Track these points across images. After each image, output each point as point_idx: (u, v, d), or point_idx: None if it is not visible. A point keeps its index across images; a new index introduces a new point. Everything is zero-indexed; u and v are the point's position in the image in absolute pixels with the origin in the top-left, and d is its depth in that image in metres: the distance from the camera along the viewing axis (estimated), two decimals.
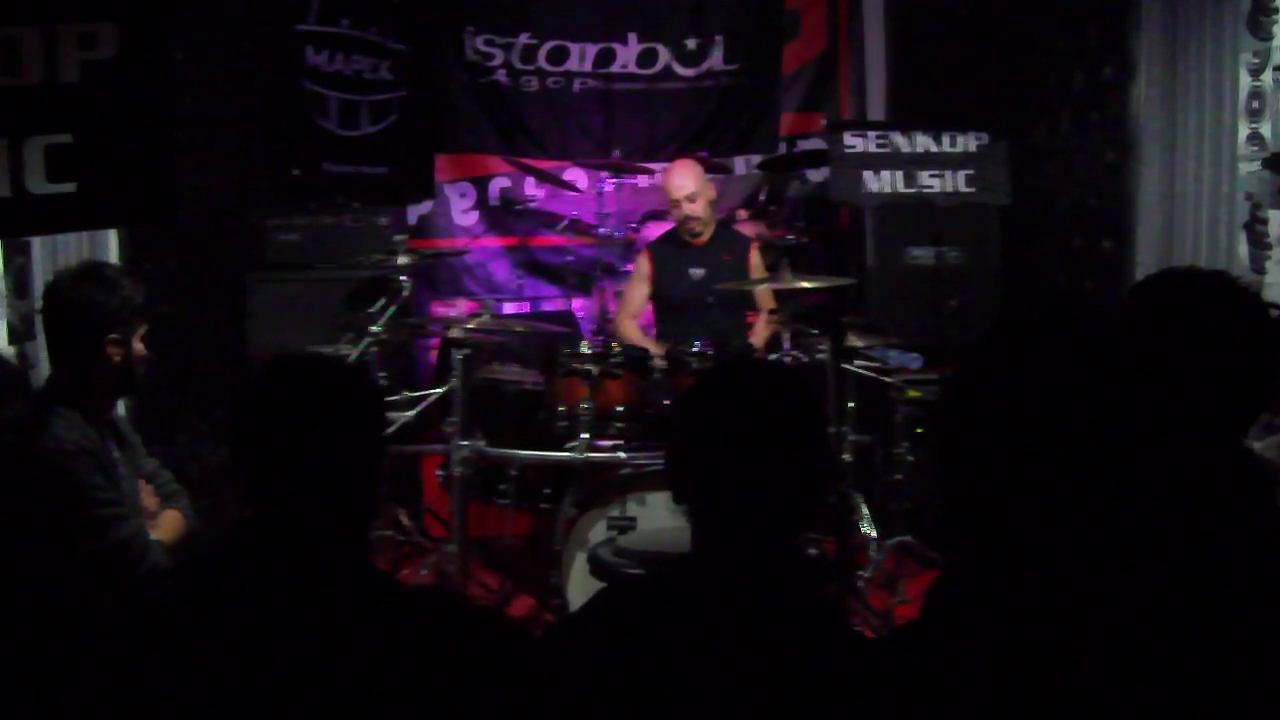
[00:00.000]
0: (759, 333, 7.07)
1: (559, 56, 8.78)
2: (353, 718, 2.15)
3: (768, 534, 2.26)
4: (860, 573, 6.25)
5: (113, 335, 3.80)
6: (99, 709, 2.14)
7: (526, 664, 2.34)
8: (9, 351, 5.12)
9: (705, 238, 7.22)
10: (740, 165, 9.12)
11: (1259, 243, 5.99)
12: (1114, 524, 1.99)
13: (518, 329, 6.91)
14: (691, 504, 2.33)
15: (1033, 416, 1.96)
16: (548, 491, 6.19)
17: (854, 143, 7.71)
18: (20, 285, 5.25)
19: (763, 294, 7.05)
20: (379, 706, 2.17)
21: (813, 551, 5.18)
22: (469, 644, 2.30)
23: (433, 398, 6.45)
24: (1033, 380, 1.98)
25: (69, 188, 3.66)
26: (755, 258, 7.25)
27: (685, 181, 7.10)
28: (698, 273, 7.09)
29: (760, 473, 2.24)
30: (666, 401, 5.88)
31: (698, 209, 7.07)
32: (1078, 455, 1.95)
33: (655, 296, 7.31)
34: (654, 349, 6.57)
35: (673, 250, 7.26)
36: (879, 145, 7.71)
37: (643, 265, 7.35)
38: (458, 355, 6.03)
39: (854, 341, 6.30)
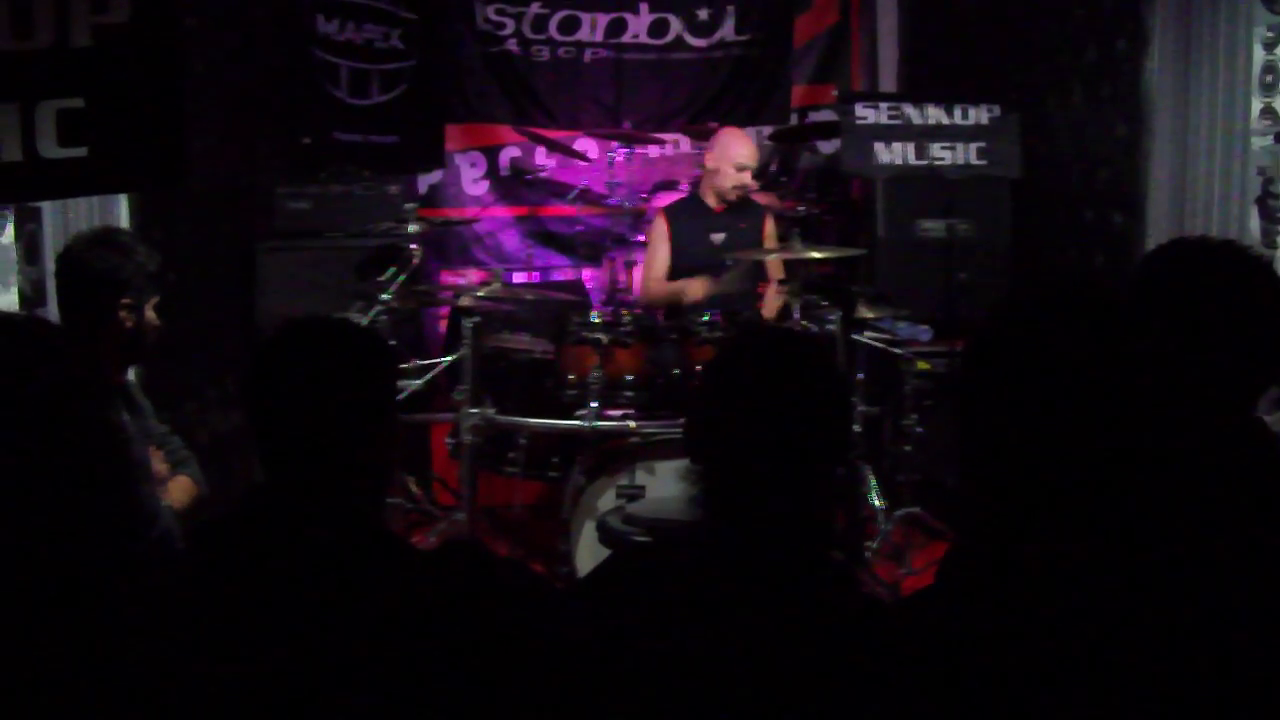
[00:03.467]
0: (769, 303, 7.05)
1: (570, 26, 8.77)
2: (375, 675, 2.16)
3: (785, 500, 2.25)
4: (868, 544, 6.25)
5: (124, 300, 3.79)
6: (114, 675, 2.14)
7: (548, 611, 2.34)
8: None
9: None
10: (751, 136, 9.09)
11: (1270, 217, 5.98)
12: (1126, 495, 1.99)
13: (528, 297, 6.91)
14: (709, 465, 2.32)
15: (1046, 386, 1.96)
16: (557, 460, 6.19)
17: (865, 114, 7.69)
18: (32, 252, 5.25)
19: (774, 264, 7.03)
20: (400, 664, 2.17)
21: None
22: (490, 594, 2.31)
23: (442, 366, 6.45)
24: (1046, 350, 1.98)
25: (80, 152, 3.66)
26: (770, 227, 7.22)
27: (750, 151, 7.14)
28: (719, 237, 7.05)
29: (783, 439, 2.24)
30: (676, 370, 5.88)
31: (748, 179, 7.11)
32: (1091, 426, 1.95)
33: (673, 261, 7.23)
34: (696, 286, 6.62)
35: (691, 214, 7.22)
36: (890, 117, 7.70)
37: (660, 227, 7.26)
38: (468, 323, 6.03)
39: (864, 312, 6.30)
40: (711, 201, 7.18)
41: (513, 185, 8.98)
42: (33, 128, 3.58)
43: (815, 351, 2.41)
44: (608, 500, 5.63)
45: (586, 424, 5.78)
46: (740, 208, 7.26)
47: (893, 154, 7.63)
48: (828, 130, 8.66)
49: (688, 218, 7.21)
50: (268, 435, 2.37)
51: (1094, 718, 1.88)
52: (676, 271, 7.20)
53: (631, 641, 2.19)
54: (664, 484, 5.60)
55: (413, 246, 6.34)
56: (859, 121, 7.68)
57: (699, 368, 5.79)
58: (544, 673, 2.24)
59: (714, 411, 2.33)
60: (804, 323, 6.04)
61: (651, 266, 7.35)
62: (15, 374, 2.17)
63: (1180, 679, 1.90)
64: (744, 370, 2.34)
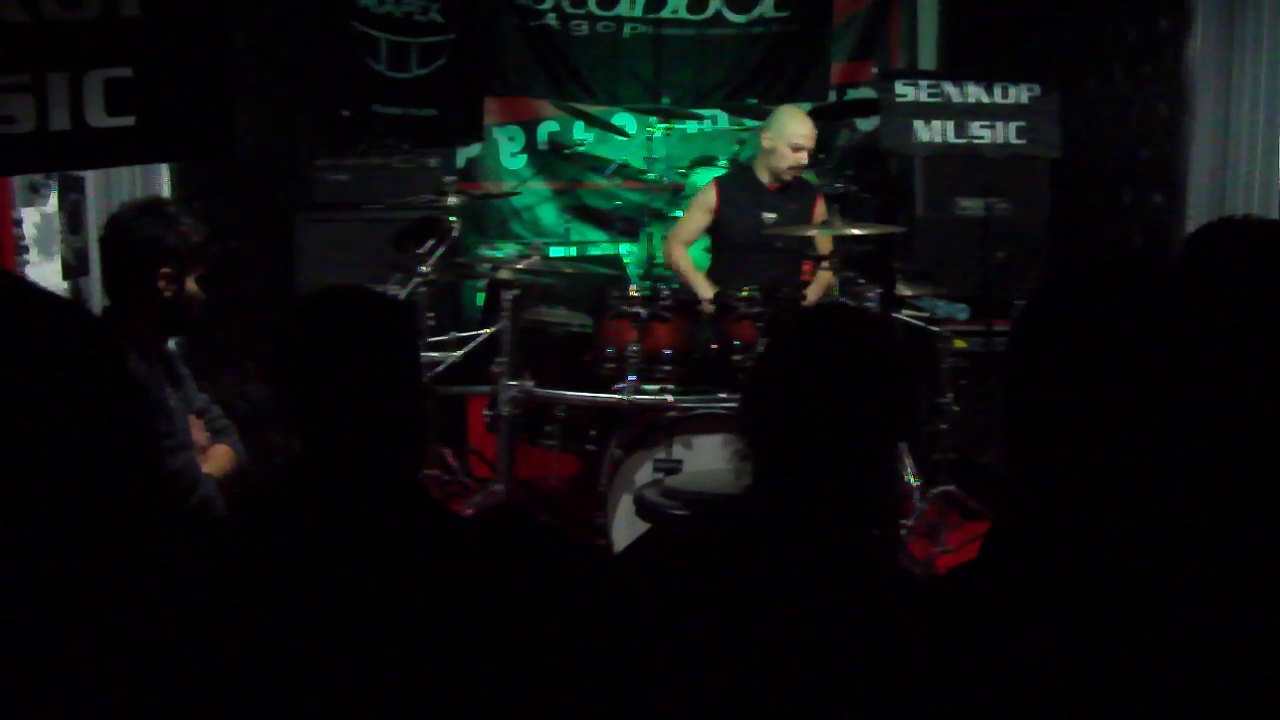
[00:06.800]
0: (816, 283, 6.98)
1: (609, 1, 8.76)
2: (417, 640, 2.18)
3: (840, 479, 2.25)
4: (903, 521, 6.25)
5: (165, 269, 3.82)
6: (157, 641, 2.16)
7: (591, 576, 2.35)
8: (63, 287, 5.17)
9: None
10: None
11: None
12: (1175, 474, 1.98)
13: (567, 270, 6.91)
14: (766, 439, 2.32)
15: (1095, 363, 1.95)
16: (594, 433, 6.20)
17: (905, 92, 7.67)
18: (75, 221, 5.29)
19: (823, 243, 6.96)
20: (443, 627, 2.19)
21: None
22: (532, 557, 2.32)
23: (481, 339, 6.47)
24: (1097, 327, 1.97)
25: (128, 121, 3.68)
26: (820, 209, 7.14)
27: (808, 130, 7.01)
28: (770, 216, 6.98)
29: (845, 419, 2.23)
30: (714, 345, 5.89)
31: (804, 158, 7.04)
32: (1140, 404, 1.94)
33: (717, 234, 7.20)
34: (705, 289, 6.59)
35: (743, 189, 7.15)
36: (930, 95, 7.67)
37: (709, 196, 7.18)
38: (506, 296, 6.05)
39: (903, 290, 6.29)
40: (766, 179, 7.11)
41: (551, 160, 9.00)
42: (81, 97, 3.60)
43: (881, 331, 2.40)
44: (645, 474, 5.63)
45: (624, 397, 5.80)
46: (793, 188, 7.19)
47: (932, 132, 7.60)
48: (867, 108, 8.63)
49: (740, 192, 7.14)
50: (298, 406, 2.40)
51: (1140, 700, 1.88)
52: (722, 244, 7.15)
53: (671, 611, 2.21)
54: (701, 458, 5.60)
55: (451, 219, 6.36)
56: (898, 99, 7.65)
57: (737, 342, 5.80)
58: (584, 637, 2.25)
59: (776, 387, 2.33)
60: (843, 300, 6.03)
61: (679, 229, 7.32)
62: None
63: (1232, 663, 1.89)
64: (810, 347, 2.34)
